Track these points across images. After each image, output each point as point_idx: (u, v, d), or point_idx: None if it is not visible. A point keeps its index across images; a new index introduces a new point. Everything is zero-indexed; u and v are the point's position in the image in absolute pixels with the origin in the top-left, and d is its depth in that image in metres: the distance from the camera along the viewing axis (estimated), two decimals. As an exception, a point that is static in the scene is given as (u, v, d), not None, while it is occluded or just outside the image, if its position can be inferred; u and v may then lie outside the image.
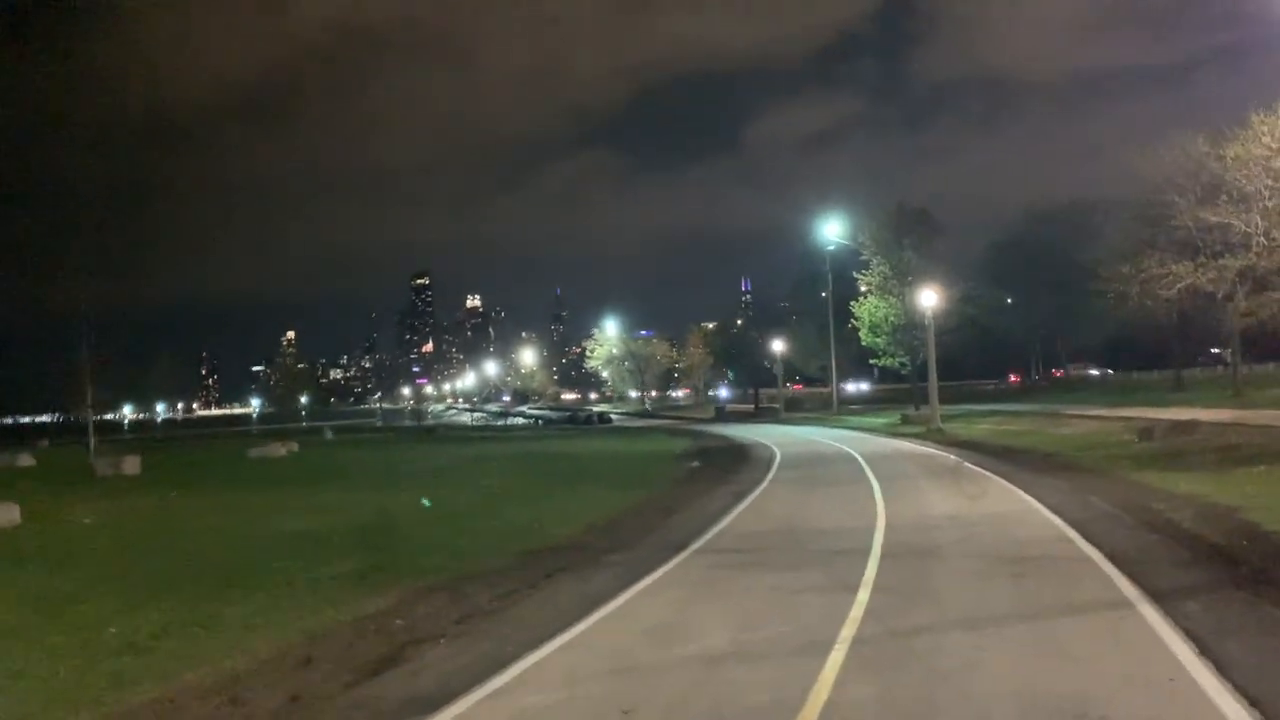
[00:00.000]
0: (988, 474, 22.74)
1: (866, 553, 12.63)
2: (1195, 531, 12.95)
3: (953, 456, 28.79)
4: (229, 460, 45.53)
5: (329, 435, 75.37)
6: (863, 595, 10.09)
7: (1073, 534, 13.43)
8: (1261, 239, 40.16)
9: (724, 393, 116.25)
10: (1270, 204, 39.63)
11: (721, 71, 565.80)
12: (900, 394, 74.02)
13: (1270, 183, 39.16)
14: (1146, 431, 29.52)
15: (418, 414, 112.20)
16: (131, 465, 38.16)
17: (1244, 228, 40.54)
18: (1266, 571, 10.20)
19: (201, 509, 22.55)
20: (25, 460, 46.55)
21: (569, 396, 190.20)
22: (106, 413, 77.74)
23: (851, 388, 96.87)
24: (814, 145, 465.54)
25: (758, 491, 21.63)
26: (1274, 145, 38.26)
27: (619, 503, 20.67)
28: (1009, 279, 70.46)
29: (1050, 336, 78.64)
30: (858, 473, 24.75)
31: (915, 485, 21.13)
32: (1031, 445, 30.95)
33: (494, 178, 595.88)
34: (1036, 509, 16.22)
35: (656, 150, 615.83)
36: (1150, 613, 8.88)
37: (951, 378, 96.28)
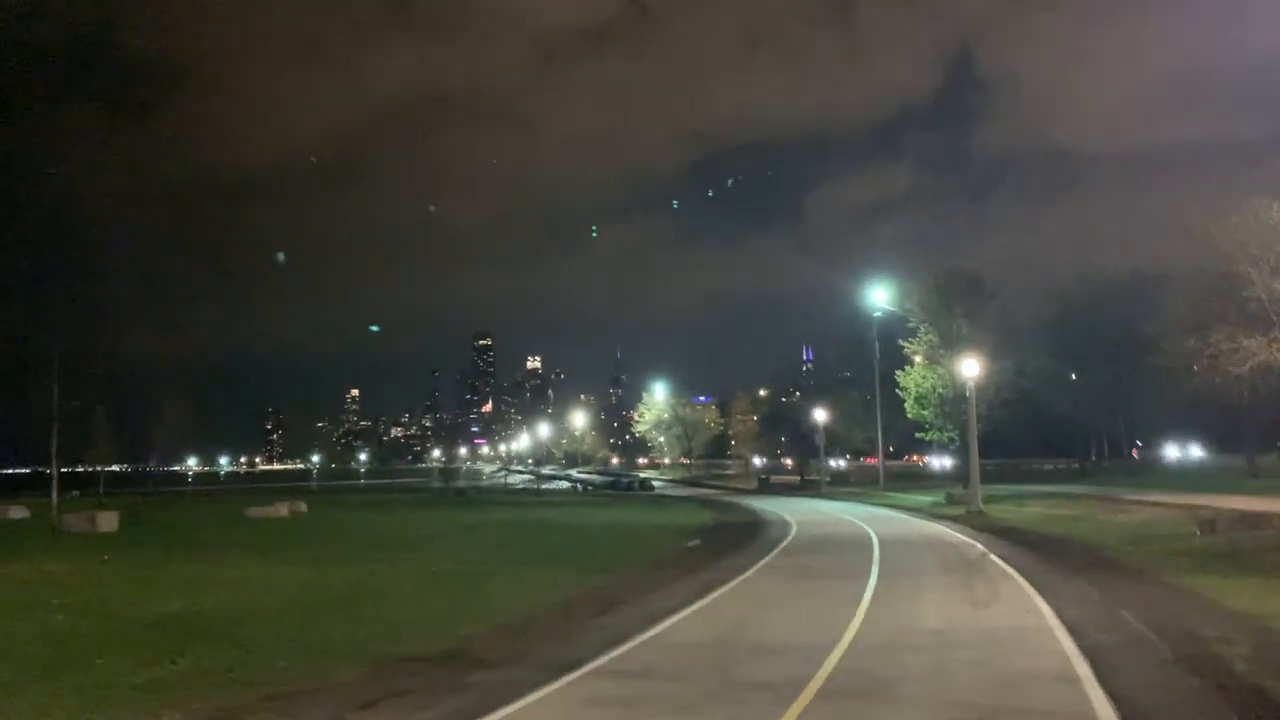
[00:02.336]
0: (1010, 571, 19.26)
1: (799, 688, 9.45)
2: (1251, 679, 9.53)
3: (979, 546, 25.22)
4: (222, 519, 43.27)
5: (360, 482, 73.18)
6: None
7: (1083, 669, 10.09)
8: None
9: (760, 462, 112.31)
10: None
11: (781, 140, 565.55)
12: (955, 471, 69.90)
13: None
14: (1209, 524, 25.73)
15: (447, 474, 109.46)
16: (107, 522, 36.03)
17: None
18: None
19: (108, 577, 20.55)
20: (19, 513, 44.87)
21: (618, 461, 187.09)
22: (111, 464, 76.23)
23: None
24: (873, 215, 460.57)
25: (733, 584, 18.42)
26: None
27: (564, 592, 17.63)
28: (1067, 353, 66.05)
29: (1112, 414, 73.50)
30: (862, 563, 21.36)
31: (918, 584, 17.72)
32: (1075, 534, 27.28)
33: (555, 240, 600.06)
34: (1049, 625, 12.84)
35: (715, 216, 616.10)
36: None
37: (1006, 455, 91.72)
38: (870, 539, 28.30)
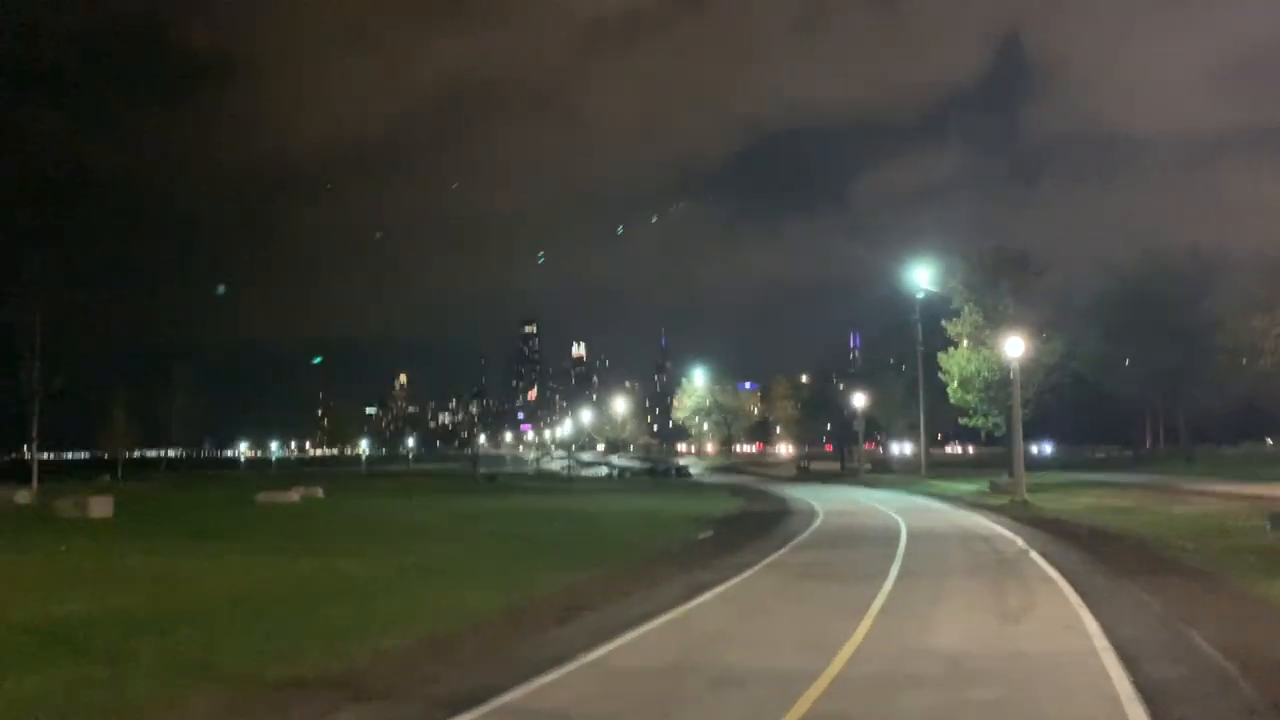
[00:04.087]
0: (1051, 573, 16.61)
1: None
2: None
3: (1020, 541, 22.51)
4: (228, 505, 41.64)
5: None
6: None
7: None
8: None
9: (806, 448, 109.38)
10: None
11: (828, 126, 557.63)
12: (1002, 458, 66.70)
13: None
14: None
15: (473, 460, 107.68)
16: (100, 508, 34.37)
17: None
18: None
19: (43, 570, 18.65)
20: (24, 498, 43.54)
21: (660, 448, 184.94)
22: (134, 449, 75.36)
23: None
24: (921, 200, 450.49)
25: (729, 584, 15.99)
26: None
27: (531, 592, 15.36)
28: (1122, 333, 62.42)
29: (1170, 398, 69.54)
30: (882, 561, 18.81)
31: (940, 587, 15.16)
32: (1129, 528, 24.47)
33: (601, 227, 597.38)
34: (1095, 648, 10.28)
35: (762, 203, 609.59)
36: None
37: (1056, 441, 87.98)
38: (899, 531, 25.71)
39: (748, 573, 17.49)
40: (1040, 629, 11.60)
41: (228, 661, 10.57)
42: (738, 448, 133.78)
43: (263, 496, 44.05)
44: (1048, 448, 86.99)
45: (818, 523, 29.79)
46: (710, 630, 11.94)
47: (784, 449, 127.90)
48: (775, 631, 11.82)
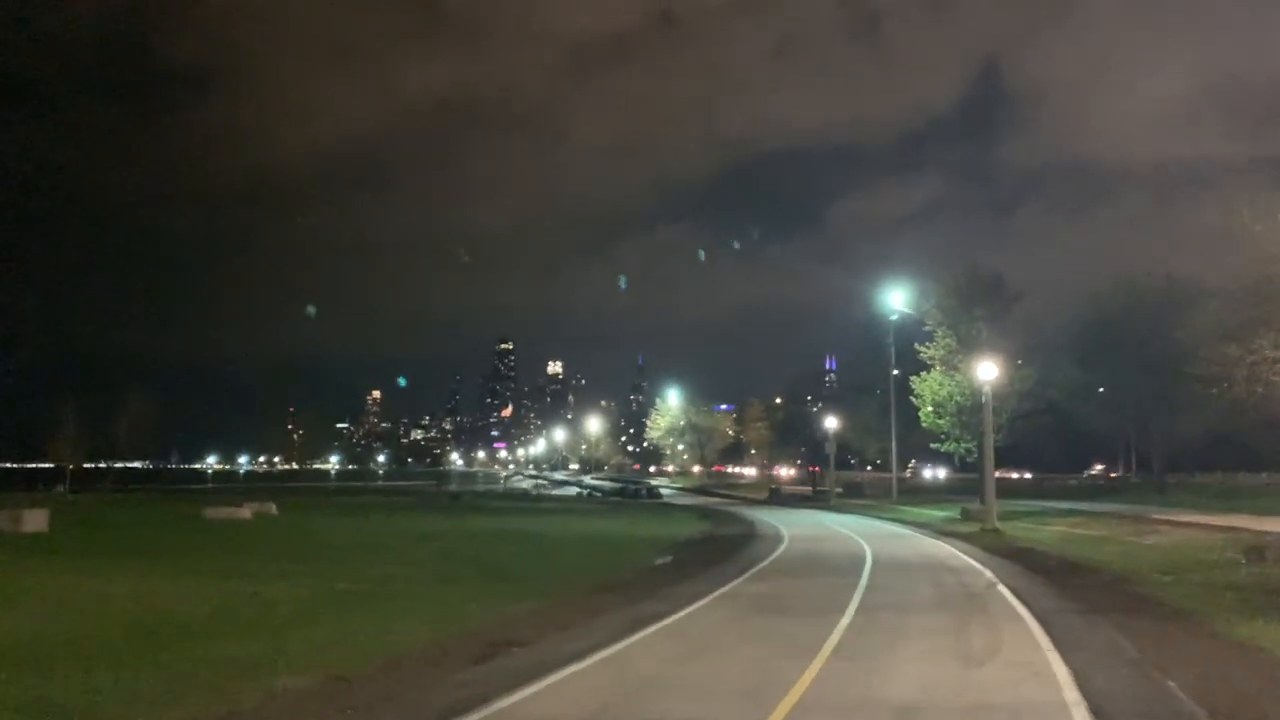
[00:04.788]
0: (1019, 609, 15.63)
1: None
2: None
3: (988, 573, 21.56)
4: (173, 521, 40.14)
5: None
6: None
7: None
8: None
9: (781, 471, 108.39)
10: None
11: (807, 151, 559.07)
12: (975, 485, 65.85)
13: None
14: (1257, 551, 22.17)
15: (438, 477, 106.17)
16: (35, 521, 32.88)
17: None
18: None
19: None
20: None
21: (635, 468, 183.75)
22: (77, 461, 73.30)
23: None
24: (898, 226, 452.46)
25: (675, 618, 14.88)
26: None
27: (460, 626, 14.25)
28: (1095, 361, 61.68)
29: (1142, 427, 68.86)
30: (843, 593, 17.77)
31: (901, 625, 14.12)
32: (1103, 560, 23.58)
33: (580, 247, 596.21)
34: (1064, 701, 9.26)
35: (740, 225, 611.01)
36: None
37: (1029, 469, 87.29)
38: (864, 560, 24.71)
39: (698, 604, 16.40)
40: (1005, 676, 10.56)
41: (97, 703, 9.39)
42: (715, 469, 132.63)
43: (211, 512, 42.52)
44: (1027, 475, 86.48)
45: (781, 548, 28.78)
46: (643, 673, 10.82)
47: (755, 471, 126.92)
48: (715, 675, 10.72)
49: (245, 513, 43.11)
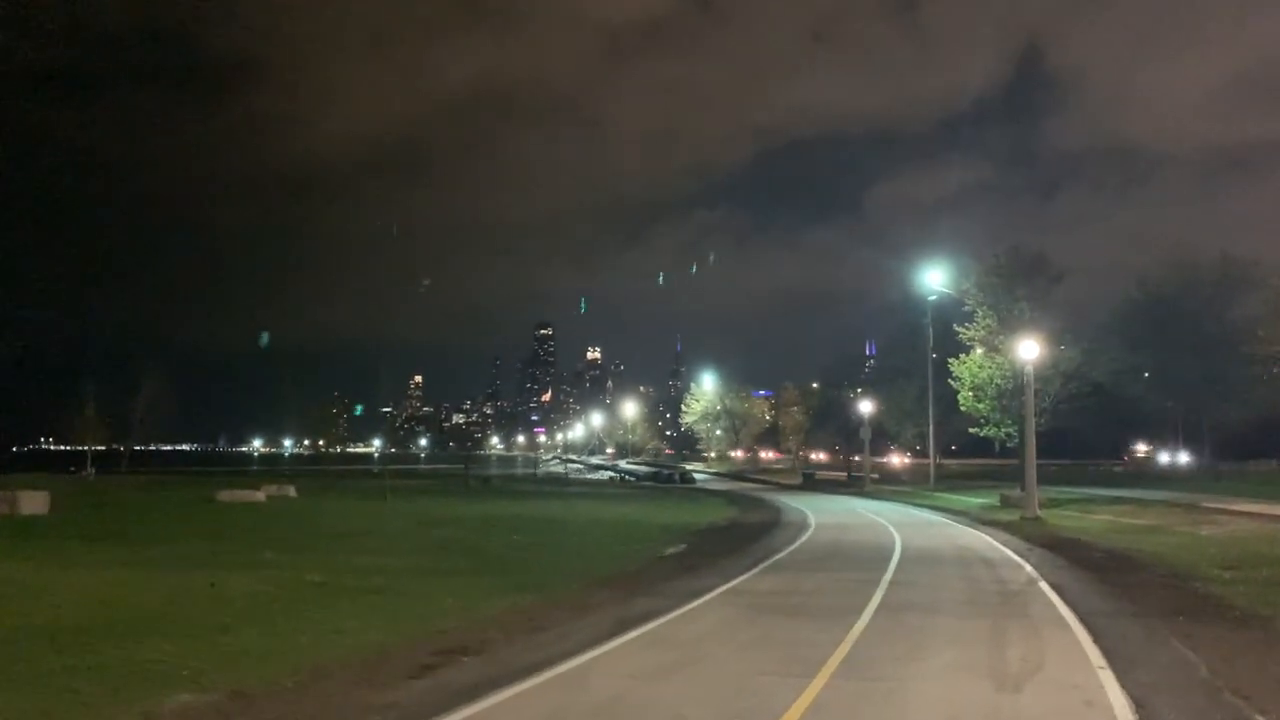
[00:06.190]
0: (1065, 612, 13.62)
1: None
2: None
3: (1028, 567, 19.56)
4: (183, 504, 38.96)
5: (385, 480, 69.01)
6: None
7: None
8: None
9: (817, 456, 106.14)
10: None
11: (846, 135, 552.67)
12: (1015, 470, 63.29)
13: None
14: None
15: (467, 461, 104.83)
16: (33, 504, 31.80)
17: None
18: None
19: None
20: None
21: (670, 453, 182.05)
22: (98, 444, 72.61)
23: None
24: (938, 209, 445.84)
25: (664, 619, 13.07)
26: None
27: (425, 626, 12.57)
28: (1144, 343, 58.87)
29: (1193, 411, 65.78)
30: (864, 590, 15.85)
31: (925, 631, 12.19)
32: (1156, 553, 21.42)
33: (618, 233, 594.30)
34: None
35: (779, 210, 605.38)
36: None
37: (1072, 455, 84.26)
38: (892, 551, 22.76)
39: (697, 602, 14.57)
40: (1049, 704, 8.54)
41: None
42: (750, 453, 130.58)
43: (224, 495, 41.50)
44: (1068, 461, 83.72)
45: (805, 537, 26.92)
46: (606, 693, 8.99)
47: (792, 456, 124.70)
48: (690, 698, 8.81)
49: (260, 495, 42.07)
